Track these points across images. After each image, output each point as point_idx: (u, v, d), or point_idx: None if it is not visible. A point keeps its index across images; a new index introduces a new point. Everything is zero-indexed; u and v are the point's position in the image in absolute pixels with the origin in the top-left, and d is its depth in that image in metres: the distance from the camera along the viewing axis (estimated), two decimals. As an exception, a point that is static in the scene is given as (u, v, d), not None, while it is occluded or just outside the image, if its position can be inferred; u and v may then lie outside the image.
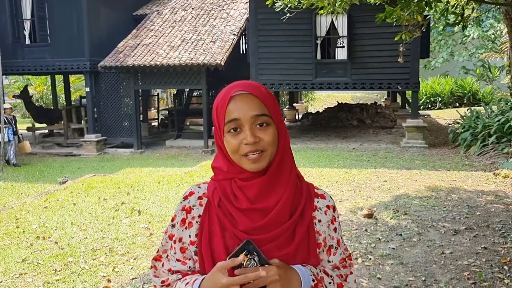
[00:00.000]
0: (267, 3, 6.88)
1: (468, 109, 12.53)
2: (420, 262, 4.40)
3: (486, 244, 4.79)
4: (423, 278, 4.04)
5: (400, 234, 5.13)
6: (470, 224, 5.41)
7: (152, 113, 18.96)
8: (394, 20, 5.98)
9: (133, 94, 13.35)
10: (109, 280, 4.32)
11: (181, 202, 1.30)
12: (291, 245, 1.20)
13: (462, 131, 10.99)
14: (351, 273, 1.37)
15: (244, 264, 1.12)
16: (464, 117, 11.79)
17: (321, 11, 6.47)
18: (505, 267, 4.20)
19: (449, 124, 13.93)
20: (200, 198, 1.27)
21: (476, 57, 22.27)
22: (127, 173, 10.12)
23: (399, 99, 18.20)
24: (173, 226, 1.30)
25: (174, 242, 1.28)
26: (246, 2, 14.24)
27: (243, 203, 1.18)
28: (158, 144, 14.39)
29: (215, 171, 1.25)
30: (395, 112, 16.19)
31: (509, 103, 10.88)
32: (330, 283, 1.25)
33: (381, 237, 5.08)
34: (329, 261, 1.31)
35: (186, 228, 1.26)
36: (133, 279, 4.35)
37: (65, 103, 17.90)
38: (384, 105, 17.91)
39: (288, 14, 6.96)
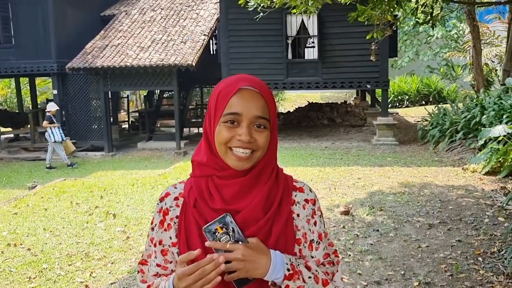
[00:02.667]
0: (239, 2, 6.88)
1: (435, 107, 12.85)
2: (398, 256, 4.48)
3: (460, 237, 4.92)
4: (402, 272, 4.12)
5: (377, 230, 5.21)
6: (443, 218, 5.55)
7: (122, 115, 18.66)
8: (366, 19, 6.08)
9: (102, 96, 13.10)
10: (86, 286, 4.21)
11: (157, 204, 1.27)
12: (269, 241, 1.17)
13: (431, 128, 11.27)
14: (337, 271, 1.32)
15: (218, 236, 1.11)
16: (432, 115, 12.10)
17: (294, 10, 6.51)
18: (480, 258, 4.33)
19: (418, 121, 14.26)
20: (176, 198, 1.24)
21: (440, 56, 22.92)
22: (99, 176, 9.91)
23: (368, 98, 18.51)
24: (152, 229, 1.27)
25: (155, 245, 1.25)
26: (216, 3, 14.19)
27: (218, 203, 1.15)
28: (130, 146, 14.17)
29: (194, 165, 1.22)
30: (365, 110, 16.45)
31: (474, 100, 11.22)
32: (310, 277, 1.19)
33: (359, 233, 5.15)
34: (312, 257, 1.25)
35: (165, 230, 1.23)
36: (111, 283, 4.26)
37: (30, 106, 17.39)
38: (353, 104, 18.18)
39: (262, 14, 6.97)
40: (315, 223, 1.26)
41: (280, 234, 1.19)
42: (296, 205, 1.24)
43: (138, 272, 1.34)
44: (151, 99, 17.18)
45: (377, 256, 4.48)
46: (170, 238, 1.23)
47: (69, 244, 5.35)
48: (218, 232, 1.11)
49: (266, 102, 1.16)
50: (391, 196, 6.58)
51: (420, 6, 6.14)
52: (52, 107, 11.45)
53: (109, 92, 14.16)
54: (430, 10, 5.91)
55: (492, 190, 6.62)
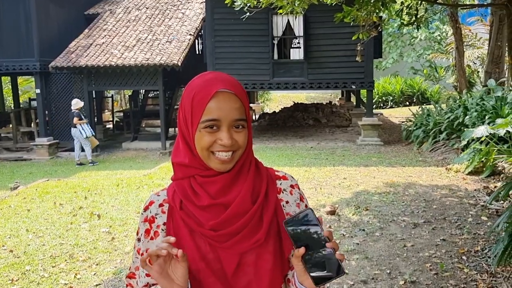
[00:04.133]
0: (226, 2, 6.87)
1: (419, 107, 13.00)
2: (384, 255, 4.52)
3: (444, 236, 4.97)
4: (388, 271, 4.15)
5: (363, 230, 5.24)
6: (428, 217, 5.61)
7: (106, 115, 18.46)
8: (352, 20, 6.12)
9: (86, 95, 12.95)
10: (71, 288, 4.16)
11: (142, 214, 1.25)
12: (260, 230, 1.17)
13: (415, 128, 11.39)
14: None
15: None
16: (416, 115, 12.23)
17: (280, 11, 6.52)
18: (464, 257, 4.39)
19: (402, 122, 14.40)
20: (161, 205, 1.23)
21: (423, 58, 23.22)
22: (83, 176, 9.80)
23: (353, 99, 18.64)
24: (138, 240, 1.25)
25: (142, 255, 1.22)
26: (202, 2, 14.15)
27: (205, 200, 1.14)
28: (114, 146, 14.02)
29: (175, 168, 1.20)
30: (350, 111, 16.56)
31: (457, 101, 11.37)
32: None
33: (345, 233, 5.17)
34: None
35: (151, 238, 1.21)
36: (96, 285, 4.21)
37: (12, 106, 17.11)
38: (338, 105, 18.29)
39: (248, 13, 6.97)
40: (306, 207, 1.28)
41: (271, 222, 1.19)
42: (283, 192, 1.26)
43: (127, 286, 1.32)
44: (136, 99, 17.02)
45: (363, 256, 4.50)
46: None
47: (53, 245, 5.27)
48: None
49: (242, 102, 1.15)
50: (376, 196, 6.63)
51: (405, 8, 6.21)
52: (78, 104, 11.47)
53: (93, 92, 14.02)
54: (415, 12, 5.97)
55: (475, 190, 6.72)
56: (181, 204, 1.18)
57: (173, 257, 1.03)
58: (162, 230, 1.20)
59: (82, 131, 11.30)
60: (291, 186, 1.28)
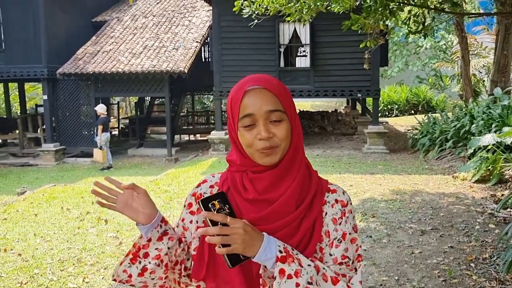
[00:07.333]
0: (234, 9, 6.93)
1: (425, 116, 13.00)
2: (392, 262, 4.51)
3: (452, 243, 4.96)
4: (396, 278, 4.14)
5: (370, 236, 5.23)
6: (435, 224, 5.60)
7: (112, 121, 18.55)
8: (359, 27, 6.16)
9: (93, 102, 13.03)
10: (79, 291, 4.17)
11: (193, 188, 1.34)
12: (295, 237, 1.17)
13: (421, 136, 11.38)
14: (356, 273, 1.23)
15: (215, 211, 1.10)
16: (422, 123, 12.22)
17: (288, 18, 6.57)
18: (472, 264, 4.37)
19: (408, 130, 14.40)
20: (211, 186, 1.31)
21: (429, 67, 23.23)
22: (90, 182, 9.83)
23: (358, 107, 18.65)
24: (184, 206, 1.35)
25: (182, 220, 1.34)
26: (209, 10, 14.25)
27: (251, 194, 1.19)
28: (120, 153, 14.07)
29: (229, 163, 1.28)
30: (356, 119, 16.57)
31: (463, 110, 11.36)
32: (309, 265, 1.12)
33: (352, 239, 5.16)
34: (330, 254, 1.19)
35: (191, 213, 1.31)
36: (105, 289, 4.22)
37: (19, 112, 17.24)
38: (344, 113, 18.31)
39: (256, 21, 7.02)
40: (341, 224, 1.22)
41: (306, 233, 1.19)
42: (326, 204, 1.24)
43: None
44: (141, 105, 17.13)
45: (371, 262, 4.50)
46: (197, 222, 1.30)
47: (61, 249, 5.29)
48: (215, 207, 1.11)
49: (275, 95, 1.18)
50: (383, 203, 6.62)
51: (412, 16, 6.24)
52: (104, 109, 11.70)
53: (100, 98, 14.11)
54: (422, 20, 6.01)
55: (482, 198, 6.70)
56: (228, 191, 1.23)
57: (134, 192, 1.25)
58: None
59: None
60: (336, 200, 1.24)
